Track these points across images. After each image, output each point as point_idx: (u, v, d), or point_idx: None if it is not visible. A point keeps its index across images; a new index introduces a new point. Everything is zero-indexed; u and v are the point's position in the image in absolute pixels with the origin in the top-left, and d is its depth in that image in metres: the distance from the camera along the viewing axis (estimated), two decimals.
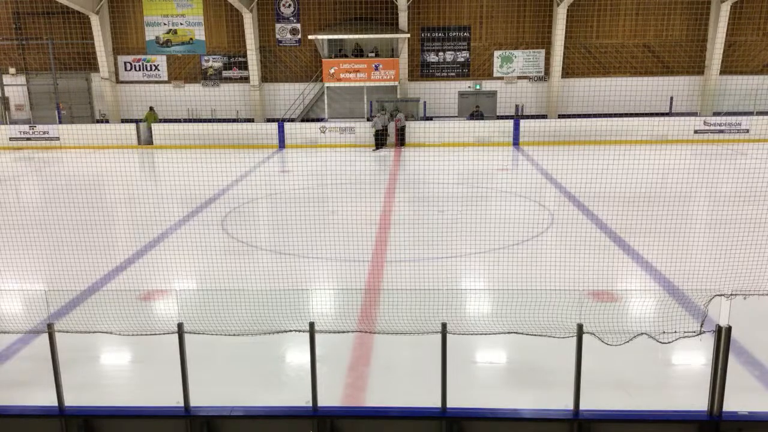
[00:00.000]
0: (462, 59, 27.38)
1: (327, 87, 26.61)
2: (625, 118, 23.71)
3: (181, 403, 5.21)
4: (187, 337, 5.16)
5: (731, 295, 4.96)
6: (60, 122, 26.68)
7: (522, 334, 5.43)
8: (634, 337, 5.33)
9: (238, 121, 26.94)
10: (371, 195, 15.65)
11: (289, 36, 27.46)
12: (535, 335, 5.40)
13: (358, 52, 26.68)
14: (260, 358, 6.86)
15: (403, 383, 6.36)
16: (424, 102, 26.99)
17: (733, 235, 10.30)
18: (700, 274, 7.83)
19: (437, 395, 5.13)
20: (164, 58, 28.01)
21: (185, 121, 26.62)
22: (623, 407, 5.65)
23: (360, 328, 7.11)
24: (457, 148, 23.98)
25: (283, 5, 27.13)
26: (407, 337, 5.72)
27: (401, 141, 25.13)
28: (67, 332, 5.54)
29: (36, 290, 8.55)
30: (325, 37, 26.21)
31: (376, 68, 25.92)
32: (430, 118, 26.83)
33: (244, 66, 27.61)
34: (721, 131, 24.67)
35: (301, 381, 5.87)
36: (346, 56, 26.68)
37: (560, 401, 5.46)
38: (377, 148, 24.50)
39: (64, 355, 5.35)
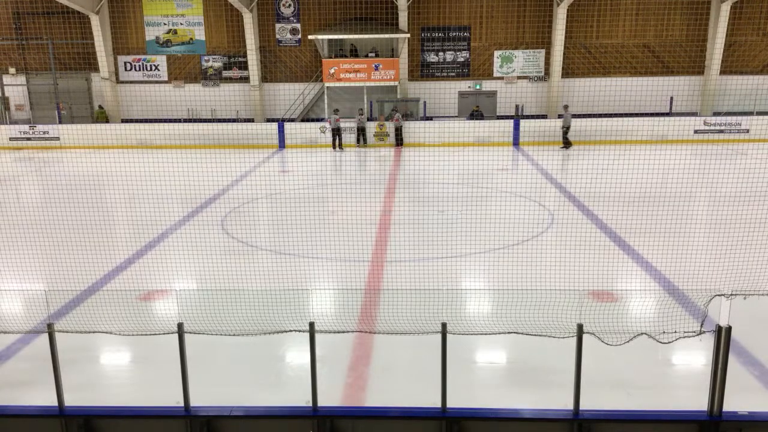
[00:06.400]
0: (462, 59, 27.38)
1: (327, 87, 26.61)
2: (625, 118, 23.70)
3: (181, 403, 5.21)
4: (187, 337, 5.16)
5: (731, 295, 4.96)
6: (60, 122, 26.69)
7: (522, 334, 5.43)
8: (634, 337, 5.33)
9: (238, 121, 26.95)
10: (371, 195, 15.65)
11: (289, 36, 27.46)
12: (535, 335, 5.39)
13: (354, 51, 26.67)
14: (260, 358, 6.86)
15: (403, 383, 6.36)
16: (424, 102, 27.00)
17: (733, 235, 10.30)
18: (700, 274, 7.83)
19: (437, 395, 5.13)
20: (164, 58, 28.01)
21: (185, 121, 26.63)
22: (623, 407, 5.65)
23: (360, 328, 7.10)
24: (457, 148, 23.99)
25: (283, 5, 27.13)
26: (407, 337, 5.72)
27: (399, 141, 25.15)
28: (67, 332, 5.54)
29: (36, 290, 8.54)
30: (325, 37, 26.21)
31: (376, 68, 25.92)
32: (430, 118, 26.83)
33: (244, 66, 27.61)
34: (721, 131, 24.67)
35: (301, 381, 5.87)
36: (345, 56, 26.68)
37: (560, 401, 5.46)
38: (339, 149, 24.73)
39: (64, 355, 5.35)
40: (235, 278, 9.31)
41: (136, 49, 27.98)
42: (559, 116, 25.22)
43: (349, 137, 25.32)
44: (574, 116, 24.65)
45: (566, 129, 23.88)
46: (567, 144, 23.89)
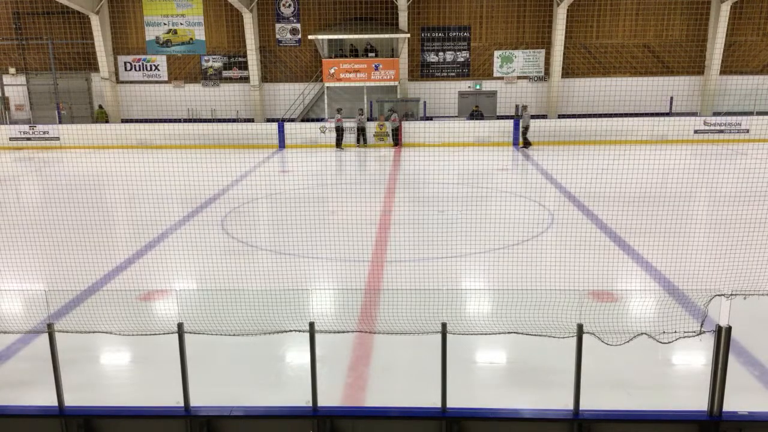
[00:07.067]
0: (462, 59, 27.38)
1: (327, 87, 26.61)
2: (625, 118, 23.71)
3: (181, 403, 5.21)
4: (187, 337, 5.16)
5: (731, 295, 4.96)
6: (60, 122, 26.69)
7: (522, 334, 5.43)
8: (634, 337, 5.33)
9: (238, 121, 26.94)
10: (371, 195, 15.65)
11: (289, 36, 27.46)
12: (535, 335, 5.39)
13: (354, 51, 26.67)
14: (260, 358, 6.86)
15: (403, 383, 6.36)
16: (424, 102, 26.99)
17: (733, 235, 10.30)
18: (700, 274, 7.83)
19: (437, 395, 5.13)
20: (164, 58, 28.01)
21: (185, 121, 26.63)
22: (623, 407, 5.65)
23: (360, 328, 7.11)
24: (456, 148, 23.98)
25: (283, 5, 27.13)
26: (407, 337, 5.72)
27: (395, 141, 25.16)
28: (67, 332, 5.54)
29: (36, 290, 8.54)
30: (325, 37, 26.21)
31: (376, 68, 25.92)
32: (430, 118, 26.83)
33: (244, 66, 27.61)
34: (721, 131, 24.67)
35: (301, 381, 5.87)
36: (345, 56, 26.69)
37: (560, 401, 5.46)
38: (339, 148, 24.93)
39: (64, 355, 5.35)
40: (235, 278, 9.31)
41: (136, 49, 27.98)
42: (518, 116, 25.37)
43: (349, 137, 25.32)
44: (575, 116, 24.66)
45: (525, 129, 24.28)
46: (527, 144, 24.27)
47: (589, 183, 12.57)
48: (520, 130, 24.42)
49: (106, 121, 27.54)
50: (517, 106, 27.08)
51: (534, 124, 25.17)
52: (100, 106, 27.95)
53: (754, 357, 6.67)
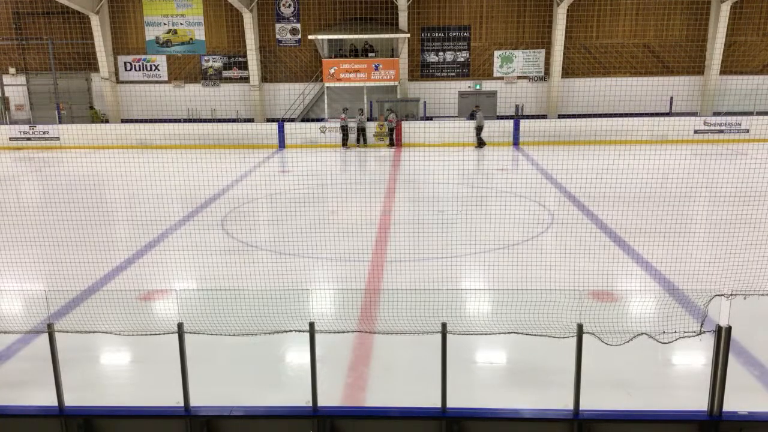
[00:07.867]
0: (462, 59, 27.38)
1: (327, 87, 26.61)
2: (625, 118, 23.71)
3: (181, 403, 5.21)
4: (187, 337, 5.16)
5: (731, 295, 4.96)
6: (60, 122, 26.69)
7: (522, 334, 5.43)
8: (634, 337, 5.33)
9: (238, 121, 26.95)
10: (371, 195, 15.65)
11: (289, 36, 27.46)
12: (535, 335, 5.39)
13: (354, 51, 26.68)
14: (260, 358, 6.85)
15: (403, 383, 6.36)
16: (424, 102, 26.99)
17: (733, 235, 10.31)
18: (700, 274, 7.83)
19: (437, 395, 5.13)
20: (164, 58, 28.01)
21: (185, 121, 26.64)
22: (623, 407, 5.65)
23: (360, 328, 7.11)
24: (457, 148, 23.98)
25: (283, 5, 27.13)
26: (407, 337, 5.72)
27: (391, 141, 25.16)
28: (67, 332, 5.54)
29: (36, 290, 8.54)
30: (325, 37, 26.21)
31: (376, 68, 25.92)
32: (430, 118, 26.83)
33: (244, 66, 27.61)
34: (721, 131, 24.68)
35: (301, 381, 5.87)
36: (345, 56, 26.69)
37: (560, 401, 5.46)
38: (344, 147, 25.10)
39: (64, 355, 5.35)
40: (235, 278, 9.31)
41: (136, 49, 27.98)
42: (471, 117, 25.40)
43: (349, 137, 25.32)
44: (575, 116, 24.62)
45: (479, 129, 24.38)
46: (480, 144, 24.37)
47: (589, 183, 12.58)
48: (474, 130, 24.54)
49: (107, 121, 27.54)
50: (516, 106, 27.08)
51: (533, 124, 25.19)
52: (92, 107, 27.93)
53: (754, 357, 6.67)
